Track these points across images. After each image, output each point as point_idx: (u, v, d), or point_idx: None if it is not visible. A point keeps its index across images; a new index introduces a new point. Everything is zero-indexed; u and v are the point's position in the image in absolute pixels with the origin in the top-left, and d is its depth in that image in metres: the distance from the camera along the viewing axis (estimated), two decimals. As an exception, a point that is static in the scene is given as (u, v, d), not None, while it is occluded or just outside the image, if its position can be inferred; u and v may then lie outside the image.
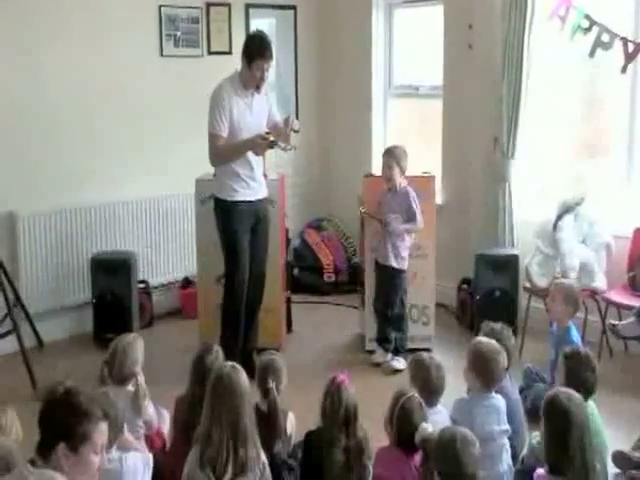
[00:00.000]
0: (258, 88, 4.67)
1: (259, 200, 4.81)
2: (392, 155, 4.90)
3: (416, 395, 3.13)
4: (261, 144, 4.56)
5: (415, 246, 5.06)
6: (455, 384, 3.60)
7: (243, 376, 2.93)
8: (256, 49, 4.61)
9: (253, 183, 4.74)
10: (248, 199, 4.72)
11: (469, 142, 5.94)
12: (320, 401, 3.13)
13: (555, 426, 2.83)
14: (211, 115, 4.61)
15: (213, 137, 4.61)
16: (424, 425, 2.97)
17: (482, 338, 3.53)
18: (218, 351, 3.47)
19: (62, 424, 2.32)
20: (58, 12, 5.25)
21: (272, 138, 4.54)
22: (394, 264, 4.93)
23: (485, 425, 3.21)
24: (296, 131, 4.73)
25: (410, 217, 4.88)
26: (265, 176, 4.94)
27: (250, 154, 4.65)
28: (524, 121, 5.51)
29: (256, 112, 4.72)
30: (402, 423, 3.03)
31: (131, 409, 3.34)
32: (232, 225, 4.71)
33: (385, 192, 4.97)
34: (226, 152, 4.64)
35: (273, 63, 4.73)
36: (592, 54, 5.08)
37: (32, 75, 5.21)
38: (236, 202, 4.69)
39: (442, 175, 6.06)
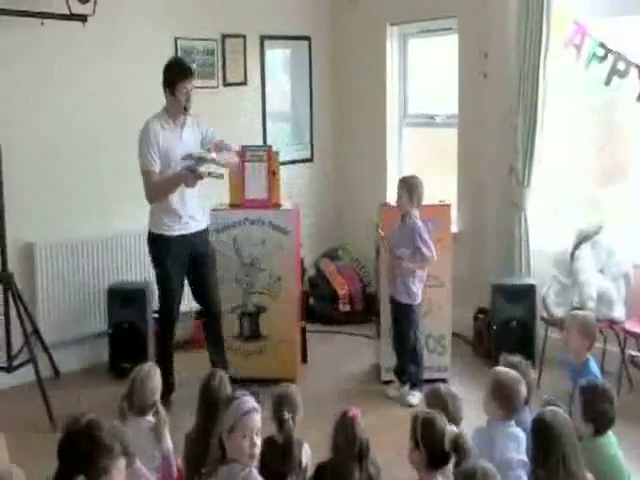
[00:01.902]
0: (186, 110, 4.70)
1: (194, 233, 4.82)
2: (403, 184, 4.89)
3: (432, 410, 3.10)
4: (188, 177, 4.58)
5: (431, 275, 5.03)
6: (472, 415, 3.55)
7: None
8: (176, 72, 4.69)
9: (186, 217, 4.76)
10: (180, 233, 4.75)
11: (484, 171, 5.93)
12: (331, 435, 3.09)
13: (538, 438, 2.97)
14: (141, 153, 4.66)
15: (146, 173, 4.66)
16: (449, 428, 2.93)
17: (502, 367, 3.50)
18: (222, 377, 3.46)
19: (83, 457, 2.30)
20: (75, 46, 5.32)
21: (200, 170, 4.58)
22: (404, 299, 4.89)
23: (504, 452, 3.18)
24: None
25: (416, 251, 4.82)
26: (280, 205, 4.92)
27: (185, 188, 4.66)
28: (540, 149, 5.50)
29: (186, 142, 4.76)
30: (427, 434, 2.94)
31: (152, 438, 3.33)
32: (163, 260, 4.78)
33: (398, 223, 4.95)
34: (160, 188, 4.68)
35: (195, 83, 4.79)
36: (608, 82, 5.08)
37: (51, 107, 5.28)
38: (166, 237, 4.74)
39: (458, 204, 6.05)
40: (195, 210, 4.82)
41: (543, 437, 2.95)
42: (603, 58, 5.07)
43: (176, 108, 4.71)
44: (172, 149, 4.69)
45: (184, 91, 4.66)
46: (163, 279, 4.83)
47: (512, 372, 3.41)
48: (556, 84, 5.46)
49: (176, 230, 4.74)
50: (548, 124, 5.49)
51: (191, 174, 4.57)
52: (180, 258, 4.77)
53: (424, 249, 4.79)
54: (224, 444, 2.81)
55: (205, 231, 4.95)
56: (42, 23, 4.99)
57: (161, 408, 3.41)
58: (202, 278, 4.91)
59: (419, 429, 2.97)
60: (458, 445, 2.83)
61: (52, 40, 5.19)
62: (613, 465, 3.22)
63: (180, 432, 3.46)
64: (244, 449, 2.77)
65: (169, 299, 4.85)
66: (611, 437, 3.28)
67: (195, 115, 4.87)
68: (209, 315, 5.03)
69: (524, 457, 3.21)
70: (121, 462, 2.36)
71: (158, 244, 4.78)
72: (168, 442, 3.40)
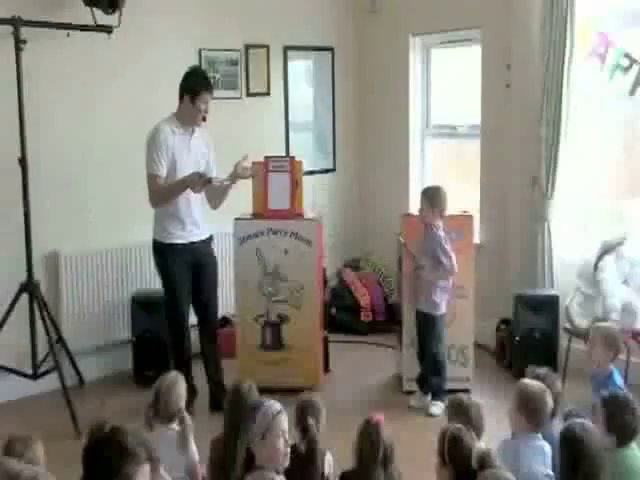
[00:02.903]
0: (204, 120, 4.72)
1: (197, 242, 4.83)
2: (425, 195, 4.89)
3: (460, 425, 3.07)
4: (197, 181, 4.58)
5: (454, 286, 5.01)
6: (494, 426, 3.53)
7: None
8: (200, 83, 4.70)
9: (190, 225, 4.77)
10: (183, 241, 4.76)
11: (507, 181, 5.91)
12: (355, 442, 3.09)
13: (567, 452, 2.96)
14: (148, 156, 4.65)
15: (152, 178, 4.65)
16: (477, 445, 2.88)
17: (528, 380, 3.48)
18: (251, 384, 3.47)
19: (108, 463, 2.31)
20: (101, 57, 5.38)
21: (208, 175, 4.63)
22: (427, 310, 4.89)
23: (531, 466, 3.14)
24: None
25: (436, 261, 4.81)
26: (303, 215, 4.93)
27: (191, 194, 4.68)
28: (563, 160, 5.47)
29: (194, 151, 4.77)
30: (455, 451, 2.89)
31: (178, 446, 3.35)
32: (168, 267, 4.78)
33: (422, 234, 4.94)
34: (165, 192, 4.67)
35: (218, 93, 4.90)
36: (632, 92, 5.06)
37: (76, 118, 5.35)
38: (170, 244, 4.74)
39: (480, 214, 6.04)
40: (199, 218, 4.84)
41: (571, 450, 2.93)
42: (628, 68, 5.06)
43: (192, 116, 4.71)
44: (180, 155, 4.69)
45: (205, 102, 4.67)
46: (170, 287, 4.82)
47: (539, 384, 3.36)
48: (580, 95, 5.44)
49: (180, 238, 4.76)
50: (572, 135, 5.47)
51: (199, 179, 4.58)
52: (184, 265, 4.78)
53: (444, 260, 4.79)
54: (253, 452, 2.82)
55: (208, 240, 4.96)
56: (68, 34, 5.06)
57: (187, 416, 3.43)
58: (200, 288, 4.90)
59: (446, 445, 2.93)
60: (485, 464, 2.80)
61: (77, 51, 5.26)
62: (636, 477, 3.19)
63: (201, 439, 3.47)
64: (280, 448, 2.77)
65: (177, 306, 4.83)
66: (634, 449, 3.25)
67: (207, 138, 4.91)
68: (202, 329, 5.00)
69: (550, 471, 3.18)
70: (146, 468, 2.37)
71: (163, 252, 4.79)
72: (194, 450, 3.41)
